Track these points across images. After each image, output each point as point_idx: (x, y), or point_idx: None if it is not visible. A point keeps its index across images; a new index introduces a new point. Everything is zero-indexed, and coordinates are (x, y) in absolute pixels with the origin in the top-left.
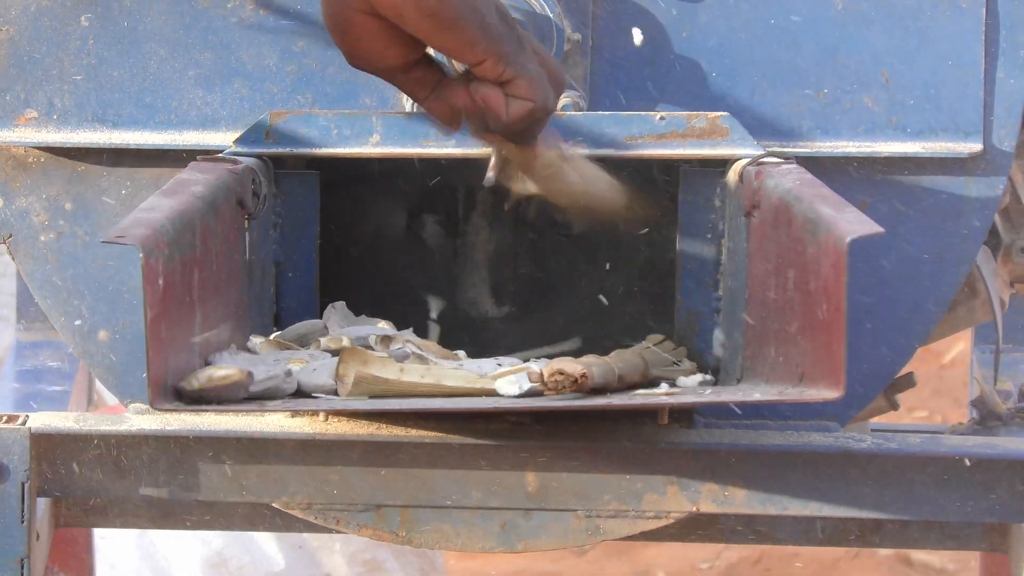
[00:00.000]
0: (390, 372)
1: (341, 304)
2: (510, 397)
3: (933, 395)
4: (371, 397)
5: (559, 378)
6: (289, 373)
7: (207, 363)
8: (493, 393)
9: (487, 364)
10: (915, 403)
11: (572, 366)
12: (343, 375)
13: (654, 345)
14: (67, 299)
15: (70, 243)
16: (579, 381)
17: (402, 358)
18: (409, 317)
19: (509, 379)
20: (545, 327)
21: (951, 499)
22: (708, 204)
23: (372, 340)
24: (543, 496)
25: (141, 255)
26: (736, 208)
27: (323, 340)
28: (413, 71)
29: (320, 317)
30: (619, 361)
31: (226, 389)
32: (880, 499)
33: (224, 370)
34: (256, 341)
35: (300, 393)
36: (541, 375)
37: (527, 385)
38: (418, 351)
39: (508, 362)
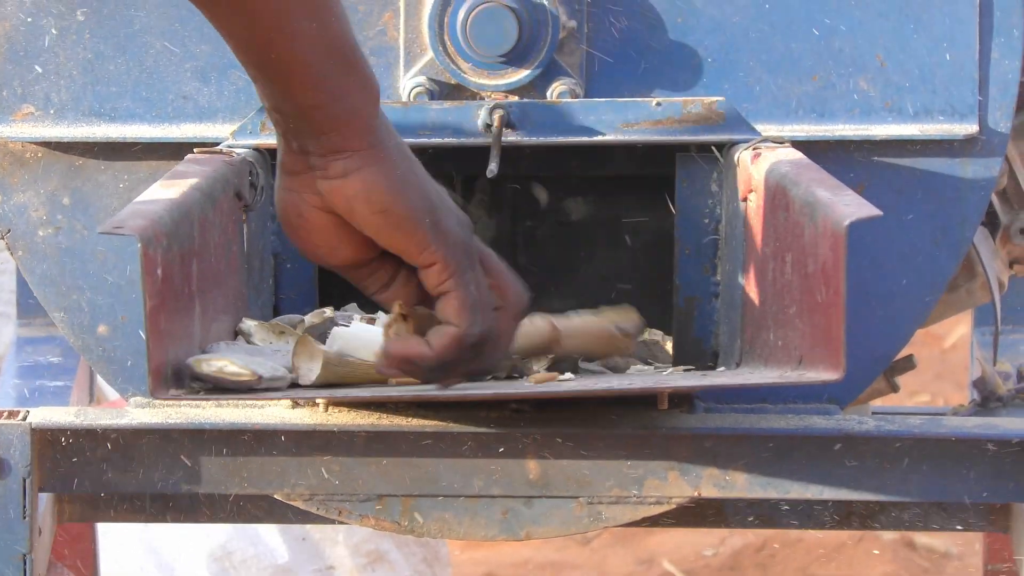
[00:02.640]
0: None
1: (353, 306)
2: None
3: (935, 379)
4: (335, 383)
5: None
6: (292, 369)
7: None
8: None
9: None
10: (917, 387)
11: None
12: (298, 367)
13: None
14: (66, 294)
15: (68, 238)
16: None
17: None
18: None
19: None
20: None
21: (952, 480)
22: (705, 189)
23: (359, 320)
24: (544, 483)
25: (140, 245)
26: (733, 193)
27: (307, 317)
28: (368, 267)
29: (319, 307)
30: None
31: (232, 384)
32: (881, 481)
33: (237, 367)
34: (250, 324)
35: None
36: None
37: None
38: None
39: None
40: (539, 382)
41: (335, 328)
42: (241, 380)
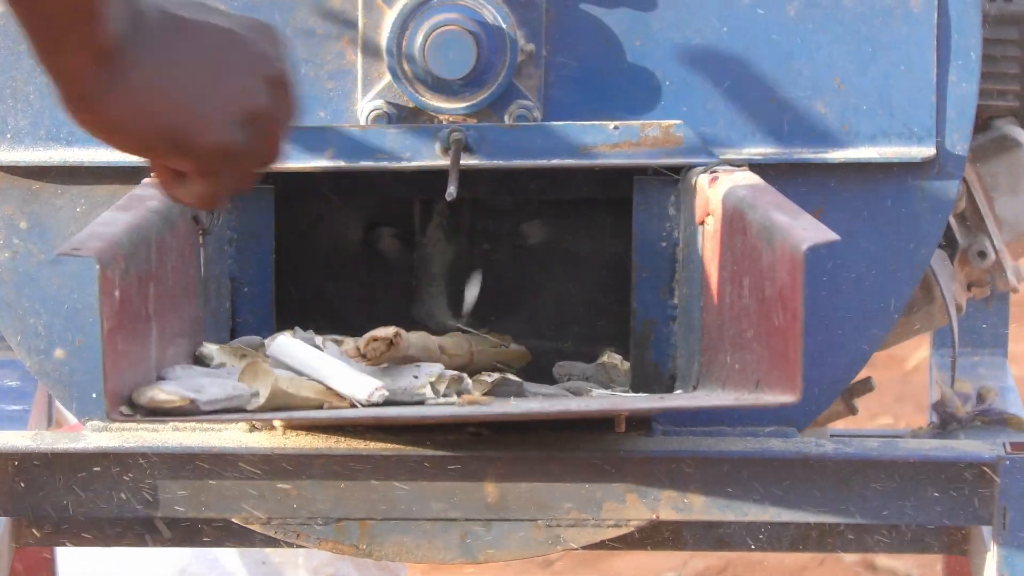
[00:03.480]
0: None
1: (310, 332)
2: (372, 403)
3: (897, 401)
4: (280, 408)
5: (374, 344)
6: (256, 394)
7: (159, 378)
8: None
9: (406, 371)
10: (879, 409)
11: (384, 331)
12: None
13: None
14: (23, 318)
15: (25, 262)
16: (393, 341)
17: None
18: (366, 330)
19: (352, 385)
20: (502, 338)
21: (911, 502)
22: (662, 213)
23: (319, 341)
24: (503, 506)
25: (98, 267)
26: (690, 216)
27: (267, 341)
28: None
29: (276, 331)
30: (443, 338)
31: (169, 412)
32: (840, 504)
33: (167, 395)
34: (211, 348)
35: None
36: (358, 349)
37: (370, 387)
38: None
39: (426, 370)
40: (468, 403)
41: (277, 339)
42: (173, 407)
